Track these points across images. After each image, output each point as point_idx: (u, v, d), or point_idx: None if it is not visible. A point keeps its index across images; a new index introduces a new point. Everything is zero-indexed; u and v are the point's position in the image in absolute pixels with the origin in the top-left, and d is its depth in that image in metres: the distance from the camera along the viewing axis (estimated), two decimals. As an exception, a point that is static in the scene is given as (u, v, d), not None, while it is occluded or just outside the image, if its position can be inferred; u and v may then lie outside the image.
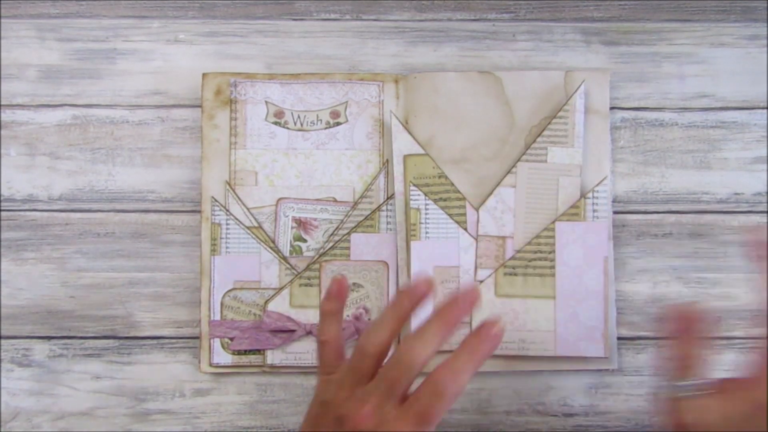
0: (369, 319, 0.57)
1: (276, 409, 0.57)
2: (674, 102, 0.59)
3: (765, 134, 0.59)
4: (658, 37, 0.60)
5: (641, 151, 0.59)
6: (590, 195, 0.57)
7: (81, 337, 0.58)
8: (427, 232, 0.57)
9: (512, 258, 0.57)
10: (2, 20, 0.60)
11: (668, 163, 0.59)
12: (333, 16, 0.60)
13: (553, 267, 0.56)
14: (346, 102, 0.59)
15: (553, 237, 0.57)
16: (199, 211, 0.58)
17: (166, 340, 0.58)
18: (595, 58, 0.60)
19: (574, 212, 0.57)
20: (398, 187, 0.57)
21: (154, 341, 0.58)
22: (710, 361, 0.42)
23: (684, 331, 0.42)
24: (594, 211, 0.57)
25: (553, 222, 0.57)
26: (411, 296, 0.42)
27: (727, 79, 0.60)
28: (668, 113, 0.59)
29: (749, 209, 0.59)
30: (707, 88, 0.60)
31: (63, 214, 0.58)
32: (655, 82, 0.60)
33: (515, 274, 0.57)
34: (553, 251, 0.56)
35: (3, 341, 0.58)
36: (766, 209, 0.58)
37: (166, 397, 0.57)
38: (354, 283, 0.57)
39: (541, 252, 0.56)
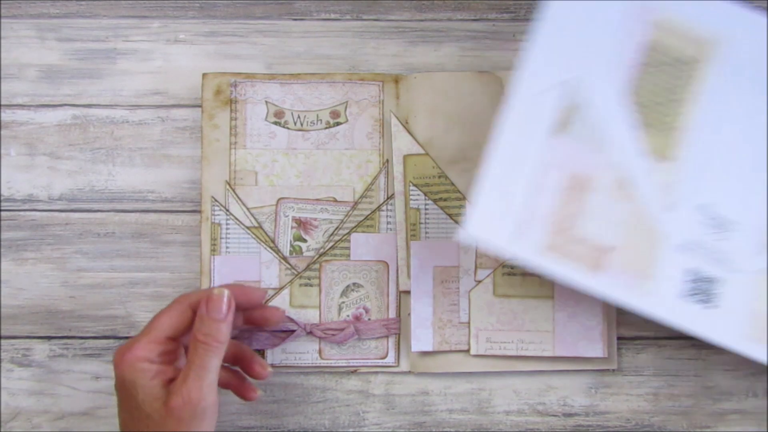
0: (369, 319, 0.57)
1: (276, 409, 0.57)
2: (674, 102, 0.59)
3: (765, 134, 0.59)
4: (658, 37, 0.60)
5: (641, 151, 0.59)
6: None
7: (81, 337, 0.58)
8: (427, 232, 0.57)
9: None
10: (2, 20, 0.60)
11: (668, 163, 0.59)
12: (333, 16, 0.60)
13: (552, 267, 0.56)
14: (346, 102, 0.59)
15: (552, 237, 0.56)
16: (199, 211, 0.58)
17: (166, 340, 0.58)
18: (595, 58, 0.60)
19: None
20: (398, 187, 0.57)
21: (154, 341, 0.58)
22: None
23: None
24: None
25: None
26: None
27: (727, 79, 0.60)
28: (668, 113, 0.59)
29: (749, 209, 0.58)
30: (707, 88, 0.59)
31: (63, 214, 0.59)
32: (655, 82, 0.60)
33: (514, 274, 0.57)
34: (553, 251, 0.56)
35: (3, 341, 0.58)
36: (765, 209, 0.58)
37: (166, 397, 0.57)
38: (354, 283, 0.57)
39: (540, 252, 0.56)
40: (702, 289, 0.52)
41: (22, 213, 0.58)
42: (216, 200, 0.57)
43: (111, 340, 0.58)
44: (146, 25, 0.60)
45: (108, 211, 0.59)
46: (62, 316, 0.58)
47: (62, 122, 0.59)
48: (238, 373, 0.53)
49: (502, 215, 0.51)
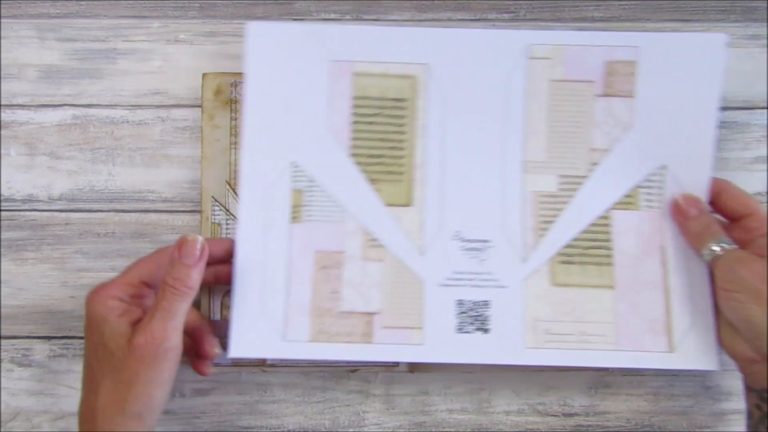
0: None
1: (276, 409, 0.57)
2: (674, 102, 0.59)
3: (765, 134, 0.59)
4: (658, 37, 0.60)
5: (641, 151, 0.59)
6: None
7: (81, 337, 0.58)
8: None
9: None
10: (2, 20, 0.60)
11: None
12: (333, 16, 0.60)
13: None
14: (346, 102, 0.59)
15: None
16: (199, 211, 0.58)
17: (166, 340, 0.58)
18: (595, 58, 0.60)
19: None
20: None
21: (154, 341, 0.58)
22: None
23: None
24: None
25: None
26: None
27: (727, 79, 0.59)
28: (668, 113, 0.59)
29: (749, 209, 0.58)
30: (707, 88, 0.59)
31: (63, 214, 0.59)
32: (655, 82, 0.59)
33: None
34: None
35: (3, 341, 0.58)
36: (766, 209, 0.58)
37: (166, 397, 0.57)
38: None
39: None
40: (476, 317, 0.52)
41: (22, 213, 0.58)
42: (216, 200, 0.57)
43: (111, 340, 0.58)
44: (146, 25, 0.60)
45: (108, 211, 0.59)
46: (62, 316, 0.58)
47: (62, 122, 0.59)
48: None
49: (262, 323, 0.52)
